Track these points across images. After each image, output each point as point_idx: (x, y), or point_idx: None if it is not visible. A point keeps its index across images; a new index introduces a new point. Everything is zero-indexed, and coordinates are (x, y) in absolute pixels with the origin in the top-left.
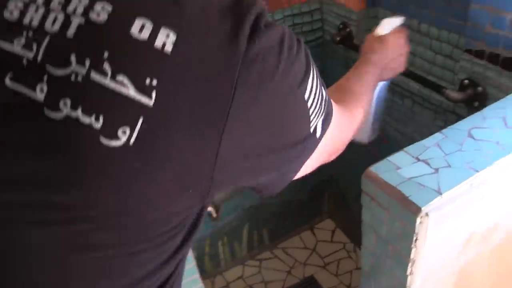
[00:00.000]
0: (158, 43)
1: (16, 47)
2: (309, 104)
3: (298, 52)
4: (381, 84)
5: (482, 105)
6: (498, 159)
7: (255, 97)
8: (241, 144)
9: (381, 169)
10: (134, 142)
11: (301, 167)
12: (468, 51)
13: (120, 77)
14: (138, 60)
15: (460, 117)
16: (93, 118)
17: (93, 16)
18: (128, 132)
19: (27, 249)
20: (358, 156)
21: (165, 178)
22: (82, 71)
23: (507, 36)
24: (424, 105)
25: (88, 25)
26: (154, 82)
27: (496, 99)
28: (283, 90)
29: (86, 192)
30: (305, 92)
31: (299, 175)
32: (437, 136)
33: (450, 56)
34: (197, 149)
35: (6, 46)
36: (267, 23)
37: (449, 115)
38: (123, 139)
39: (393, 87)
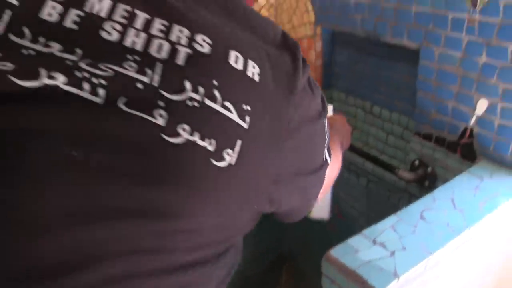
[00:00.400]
0: (249, 73)
1: (129, 71)
2: (326, 131)
3: (317, 85)
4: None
5: (432, 185)
6: (449, 240)
7: (301, 122)
8: (290, 164)
9: (340, 253)
10: (235, 162)
11: (319, 192)
12: (417, 134)
13: (227, 103)
14: (238, 87)
15: (412, 195)
16: (207, 142)
17: (197, 47)
18: (230, 153)
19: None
20: (316, 232)
21: (249, 195)
22: (197, 97)
23: (450, 122)
24: (378, 184)
25: (195, 55)
26: (248, 107)
27: (444, 179)
28: (314, 119)
29: (201, 215)
30: (325, 120)
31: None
32: (391, 218)
33: (401, 137)
34: (265, 166)
35: (116, 68)
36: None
37: (402, 193)
38: (228, 160)
39: (349, 166)
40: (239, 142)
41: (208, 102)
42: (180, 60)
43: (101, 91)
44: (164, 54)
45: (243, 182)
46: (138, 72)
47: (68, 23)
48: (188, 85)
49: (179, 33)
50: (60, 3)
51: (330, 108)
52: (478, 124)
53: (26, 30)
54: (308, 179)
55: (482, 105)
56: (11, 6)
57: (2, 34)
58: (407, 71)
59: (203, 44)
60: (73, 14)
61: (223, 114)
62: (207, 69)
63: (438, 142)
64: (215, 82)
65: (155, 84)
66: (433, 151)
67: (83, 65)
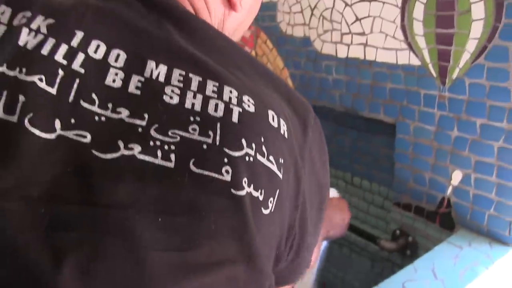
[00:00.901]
0: (281, 130)
1: (194, 135)
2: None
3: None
4: (324, 243)
5: (414, 253)
6: None
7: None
8: (307, 200)
9: None
10: (274, 209)
11: (311, 261)
12: (397, 204)
13: (271, 157)
14: (277, 143)
15: (394, 264)
16: (259, 192)
17: (245, 106)
18: (272, 201)
19: None
20: None
21: (276, 240)
22: (251, 152)
23: (428, 192)
24: (361, 254)
25: (245, 114)
26: (282, 161)
27: (425, 248)
28: (325, 162)
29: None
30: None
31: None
32: None
33: (382, 206)
34: (286, 216)
35: (183, 133)
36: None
37: (385, 263)
38: (270, 207)
39: None
40: (277, 191)
41: (259, 157)
42: (235, 118)
43: (173, 156)
44: (220, 113)
45: (277, 227)
46: (201, 134)
47: (132, 88)
48: (244, 142)
49: (230, 93)
50: (121, 69)
51: (333, 192)
52: (454, 194)
53: (95, 97)
54: (319, 213)
55: (457, 176)
56: (79, 74)
57: (73, 101)
58: (385, 143)
59: (249, 104)
60: (135, 80)
61: (268, 167)
62: (256, 127)
63: (418, 212)
64: (262, 139)
65: (218, 143)
66: (413, 221)
67: (153, 132)
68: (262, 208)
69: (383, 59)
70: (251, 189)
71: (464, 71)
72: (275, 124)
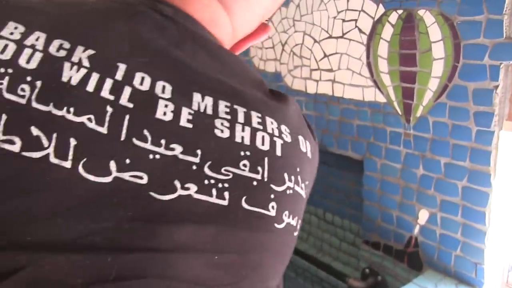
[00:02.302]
0: (309, 153)
1: (245, 171)
2: None
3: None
4: None
5: None
6: None
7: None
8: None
9: None
10: (296, 229)
11: None
12: (366, 242)
13: (302, 185)
14: (307, 169)
15: None
16: (295, 220)
17: (284, 137)
18: (300, 222)
19: None
20: None
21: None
22: (291, 185)
23: (395, 231)
24: None
25: (285, 145)
26: (308, 183)
27: (395, 287)
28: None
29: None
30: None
31: None
32: None
33: (353, 243)
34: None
35: (235, 170)
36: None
37: None
38: (298, 228)
39: (303, 273)
40: (302, 208)
41: (296, 188)
42: (279, 151)
43: (226, 194)
44: (267, 147)
45: (290, 241)
46: (251, 171)
47: (183, 122)
48: (286, 176)
49: (271, 124)
50: (170, 100)
51: None
52: (421, 233)
53: (147, 133)
54: None
55: (423, 215)
56: (128, 109)
57: (125, 139)
58: (355, 180)
59: (286, 134)
60: (186, 113)
61: (301, 195)
62: (294, 159)
63: (386, 250)
64: (298, 169)
65: (266, 179)
66: (382, 260)
67: (207, 170)
68: (295, 233)
69: (350, 96)
70: (290, 220)
71: (427, 109)
72: (304, 149)
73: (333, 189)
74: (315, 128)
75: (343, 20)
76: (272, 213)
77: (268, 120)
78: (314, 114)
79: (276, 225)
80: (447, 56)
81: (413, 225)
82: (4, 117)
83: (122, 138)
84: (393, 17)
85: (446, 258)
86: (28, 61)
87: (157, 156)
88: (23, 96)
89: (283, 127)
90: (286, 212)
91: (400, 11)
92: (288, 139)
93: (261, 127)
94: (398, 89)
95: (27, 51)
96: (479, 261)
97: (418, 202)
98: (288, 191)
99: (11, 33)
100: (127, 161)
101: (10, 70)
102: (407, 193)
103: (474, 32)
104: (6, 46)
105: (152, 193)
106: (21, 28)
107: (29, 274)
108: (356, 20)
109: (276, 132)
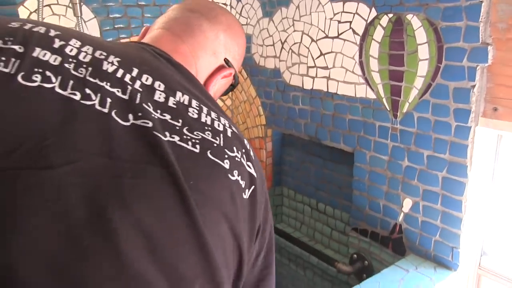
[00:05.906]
0: (251, 152)
1: (209, 137)
2: None
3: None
4: None
5: (369, 277)
6: None
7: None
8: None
9: None
10: (248, 197)
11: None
12: (355, 229)
13: (249, 164)
14: (254, 157)
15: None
16: (243, 182)
17: (233, 129)
18: (248, 191)
19: None
20: None
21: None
22: (239, 156)
23: (382, 218)
24: (323, 277)
25: (234, 133)
26: (255, 170)
27: (380, 272)
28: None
29: None
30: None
31: None
32: None
33: (343, 232)
34: (262, 212)
35: (203, 134)
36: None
37: (344, 286)
38: (247, 194)
39: (296, 259)
40: (253, 187)
41: (243, 160)
42: (229, 133)
43: (198, 146)
44: (222, 129)
45: (248, 214)
46: (212, 137)
47: (171, 104)
48: (235, 148)
49: (224, 120)
50: (163, 92)
51: None
52: (405, 220)
53: (150, 104)
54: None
55: (407, 204)
56: (139, 91)
57: (138, 102)
58: (347, 172)
59: (233, 129)
60: (172, 100)
61: (248, 170)
62: (237, 141)
63: (373, 237)
64: (244, 150)
65: (222, 144)
66: (369, 246)
67: (186, 131)
68: (243, 193)
69: (344, 92)
70: (238, 178)
71: (413, 106)
72: (247, 144)
73: (326, 180)
74: (310, 122)
75: (339, 22)
76: (227, 166)
77: (222, 118)
78: (310, 109)
79: (229, 175)
80: (431, 57)
81: (398, 213)
82: (71, 82)
83: (137, 102)
84: (384, 20)
85: (426, 243)
86: (84, 58)
87: (156, 116)
88: (81, 73)
89: (232, 126)
90: (236, 171)
91: (390, 15)
92: (236, 131)
93: (217, 119)
94: (387, 86)
95: (83, 54)
96: (456, 245)
97: (403, 191)
98: (236, 158)
99: (75, 43)
100: (139, 114)
101: (74, 61)
102: (393, 183)
103: (455, 36)
104: (71, 50)
105: (155, 132)
106: (79, 42)
107: None
108: (350, 22)
109: (227, 125)
